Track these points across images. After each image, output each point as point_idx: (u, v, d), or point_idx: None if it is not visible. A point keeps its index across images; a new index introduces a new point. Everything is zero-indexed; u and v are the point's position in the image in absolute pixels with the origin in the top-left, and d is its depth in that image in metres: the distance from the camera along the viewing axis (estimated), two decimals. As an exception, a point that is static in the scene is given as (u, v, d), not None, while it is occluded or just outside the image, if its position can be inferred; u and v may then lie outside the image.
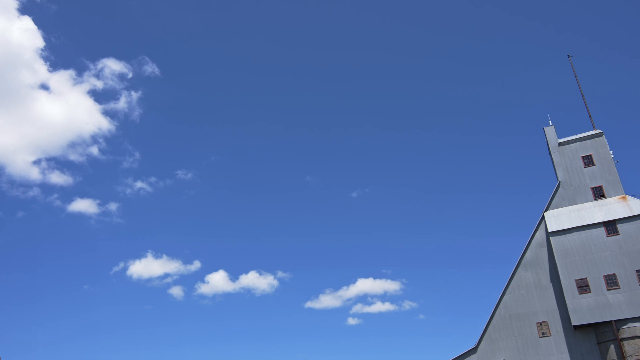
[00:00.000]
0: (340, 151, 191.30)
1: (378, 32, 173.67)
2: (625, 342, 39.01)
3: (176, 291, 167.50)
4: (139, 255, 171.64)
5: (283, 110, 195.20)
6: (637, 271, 40.27)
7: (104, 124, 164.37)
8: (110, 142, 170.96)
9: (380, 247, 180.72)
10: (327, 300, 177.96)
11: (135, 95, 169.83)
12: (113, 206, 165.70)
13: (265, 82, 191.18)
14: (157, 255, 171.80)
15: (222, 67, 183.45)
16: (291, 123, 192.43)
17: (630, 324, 39.29)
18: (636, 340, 38.70)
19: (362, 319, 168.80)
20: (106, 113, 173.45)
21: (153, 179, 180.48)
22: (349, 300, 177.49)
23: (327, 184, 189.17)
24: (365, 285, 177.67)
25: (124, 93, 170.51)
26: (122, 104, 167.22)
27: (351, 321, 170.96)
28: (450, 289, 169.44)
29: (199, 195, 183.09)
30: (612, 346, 39.75)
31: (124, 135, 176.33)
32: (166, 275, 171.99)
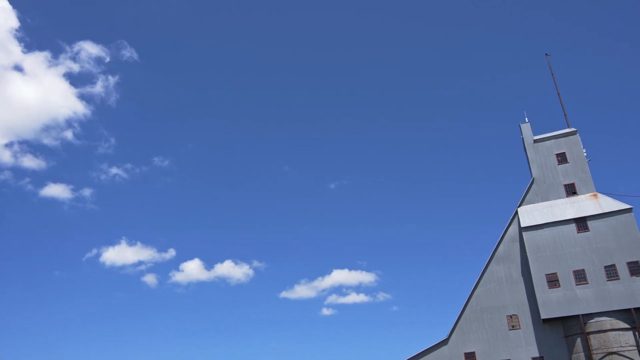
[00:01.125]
0: (319, 143, 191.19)
1: (355, 25, 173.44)
2: (591, 336, 40.03)
3: (150, 279, 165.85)
4: (112, 242, 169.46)
5: (263, 100, 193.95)
6: (605, 267, 41.27)
7: (80, 108, 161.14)
8: (85, 127, 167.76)
9: (356, 239, 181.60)
10: (302, 291, 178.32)
11: (112, 80, 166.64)
12: (87, 192, 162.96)
13: (246, 73, 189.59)
14: (131, 243, 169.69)
15: (202, 55, 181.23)
16: (271, 113, 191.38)
17: (597, 318, 40.31)
18: (602, 334, 39.74)
19: (337, 310, 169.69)
20: (82, 97, 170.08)
21: (129, 166, 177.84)
22: (323, 290, 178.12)
23: (305, 175, 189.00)
24: (340, 276, 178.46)
25: (101, 77, 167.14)
26: (98, 88, 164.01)
27: (325, 312, 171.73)
28: (424, 281, 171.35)
29: (175, 183, 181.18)
30: (578, 339, 40.76)
31: (100, 121, 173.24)
32: (140, 262, 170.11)
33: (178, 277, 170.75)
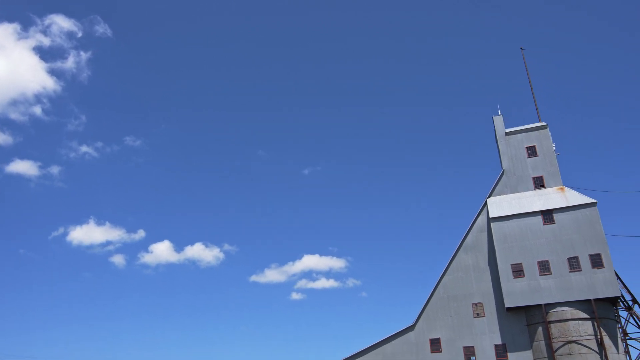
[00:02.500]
0: (294, 128, 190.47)
1: (330, 12, 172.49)
2: (552, 325, 41.27)
3: (118, 260, 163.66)
4: (80, 221, 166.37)
5: (239, 83, 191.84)
6: (568, 259, 42.46)
7: (49, 84, 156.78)
8: (55, 103, 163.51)
9: (328, 225, 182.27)
10: (272, 275, 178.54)
11: (84, 55, 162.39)
12: (55, 169, 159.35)
13: (222, 55, 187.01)
14: (100, 222, 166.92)
15: (178, 34, 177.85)
16: (247, 97, 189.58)
17: (558, 308, 41.54)
18: (562, 323, 41.01)
19: (306, 295, 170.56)
20: (52, 72, 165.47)
21: (99, 144, 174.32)
22: (294, 275, 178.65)
23: (279, 160, 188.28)
24: (310, 261, 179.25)
25: (73, 53, 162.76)
26: (69, 63, 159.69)
27: (295, 296, 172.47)
28: (394, 268, 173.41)
29: (147, 163, 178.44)
30: (540, 328, 41.98)
31: (70, 97, 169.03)
32: (108, 242, 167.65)
33: (147, 258, 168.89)
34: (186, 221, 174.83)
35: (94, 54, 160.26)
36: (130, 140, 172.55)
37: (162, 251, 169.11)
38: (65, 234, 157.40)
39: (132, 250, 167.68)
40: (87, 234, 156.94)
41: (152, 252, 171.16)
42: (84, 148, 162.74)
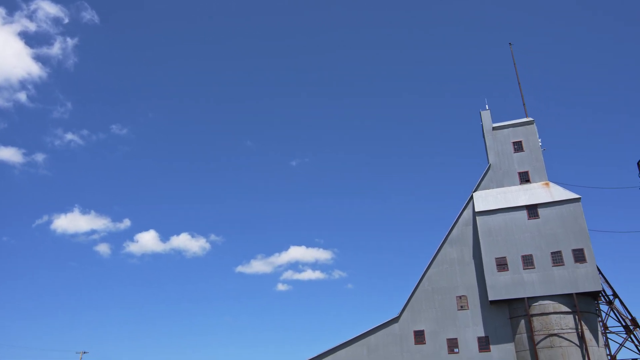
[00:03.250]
0: (282, 119, 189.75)
1: (321, 6, 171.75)
2: (534, 318, 41.81)
3: (103, 249, 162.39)
4: (64, 209, 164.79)
5: (229, 72, 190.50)
6: (552, 253, 42.98)
7: (35, 70, 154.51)
8: (40, 90, 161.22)
9: (315, 217, 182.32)
10: (258, 266, 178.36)
11: (70, 42, 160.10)
12: (40, 157, 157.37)
13: (212, 45, 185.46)
14: (85, 211, 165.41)
15: (166, 22, 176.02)
16: (236, 87, 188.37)
17: (540, 302, 42.08)
18: (544, 316, 41.56)
19: (292, 286, 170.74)
20: (38, 58, 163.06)
21: (85, 132, 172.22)
22: (280, 266, 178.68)
23: (267, 151, 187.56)
24: (297, 252, 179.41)
25: (59, 39, 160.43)
26: (55, 50, 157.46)
27: (281, 287, 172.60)
28: (379, 261, 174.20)
29: (133, 152, 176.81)
30: (522, 321, 42.51)
31: (56, 84, 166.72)
32: (93, 231, 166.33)
33: (132, 247, 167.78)
34: (172, 211, 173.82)
35: (80, 41, 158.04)
36: (117, 128, 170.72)
37: (147, 241, 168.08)
38: (50, 222, 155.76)
39: (118, 239, 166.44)
40: (72, 222, 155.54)
41: (137, 242, 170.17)
42: (70, 136, 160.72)
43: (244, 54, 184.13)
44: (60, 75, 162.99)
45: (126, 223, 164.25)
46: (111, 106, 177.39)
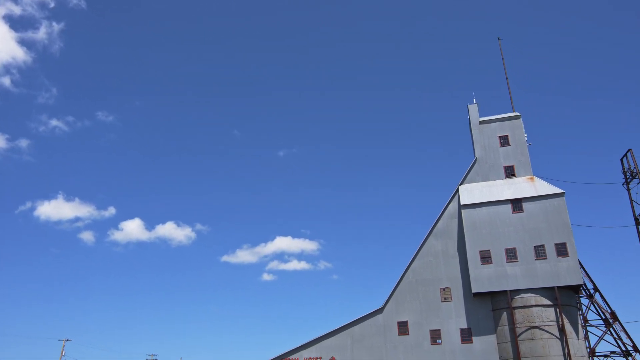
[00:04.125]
0: (271, 110, 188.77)
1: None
2: (516, 311, 42.35)
3: (87, 236, 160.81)
4: (48, 196, 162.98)
5: (218, 61, 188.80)
6: (535, 247, 43.46)
7: (19, 54, 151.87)
8: (25, 74, 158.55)
9: (301, 207, 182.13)
10: (244, 256, 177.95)
11: (56, 26, 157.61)
12: (24, 143, 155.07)
13: (201, 33, 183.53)
14: (69, 198, 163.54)
15: (155, 9, 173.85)
16: (225, 77, 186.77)
17: (523, 295, 42.60)
18: (526, 309, 42.11)
19: (277, 276, 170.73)
20: (22, 42, 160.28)
21: (70, 119, 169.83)
22: (265, 256, 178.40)
23: (255, 141, 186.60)
24: (283, 243, 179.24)
25: (45, 23, 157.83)
26: (41, 34, 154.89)
27: (266, 277, 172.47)
28: (365, 252, 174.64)
29: (119, 139, 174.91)
30: (504, 314, 43.03)
31: (41, 69, 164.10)
32: (77, 219, 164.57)
33: (117, 235, 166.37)
34: (158, 199, 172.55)
35: (66, 26, 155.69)
36: (103, 115, 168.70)
37: (132, 229, 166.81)
38: (33, 208, 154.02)
39: (102, 227, 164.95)
40: (56, 209, 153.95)
41: (122, 230, 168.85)
42: (54, 122, 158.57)
43: (234, 44, 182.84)
44: (45, 60, 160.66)
45: (111, 211, 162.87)
46: (97, 93, 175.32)
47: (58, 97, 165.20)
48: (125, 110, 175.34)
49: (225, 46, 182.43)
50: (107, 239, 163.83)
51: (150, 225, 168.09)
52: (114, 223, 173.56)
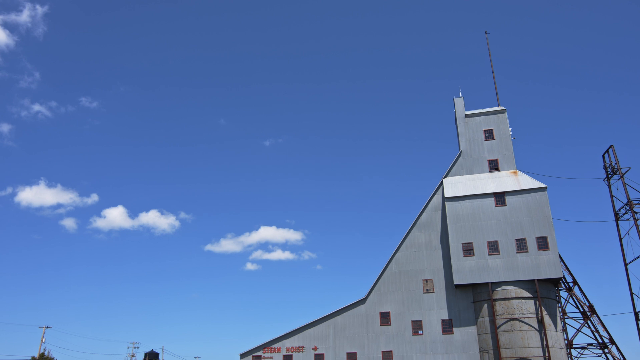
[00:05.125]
0: (258, 99, 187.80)
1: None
2: (497, 302, 42.91)
3: (69, 223, 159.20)
4: (30, 182, 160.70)
5: (205, 49, 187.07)
6: (517, 240, 43.99)
7: (2, 37, 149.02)
8: (7, 58, 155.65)
9: (286, 197, 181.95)
10: (228, 245, 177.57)
11: (40, 10, 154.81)
12: (5, 127, 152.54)
13: (188, 20, 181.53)
14: (51, 184, 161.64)
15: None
16: (212, 64, 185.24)
17: (503, 287, 43.16)
18: (507, 301, 42.68)
19: (261, 265, 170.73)
20: (5, 25, 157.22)
21: (53, 104, 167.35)
22: (249, 246, 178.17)
23: (241, 130, 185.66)
24: (267, 232, 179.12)
25: (28, 6, 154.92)
26: (24, 17, 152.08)
27: (250, 266, 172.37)
28: (349, 243, 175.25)
29: (103, 126, 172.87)
30: (485, 305, 43.59)
31: (24, 52, 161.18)
32: (59, 205, 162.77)
33: (99, 223, 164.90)
34: (142, 187, 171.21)
35: (50, 9, 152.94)
36: (87, 101, 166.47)
37: (115, 216, 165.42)
38: (14, 194, 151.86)
39: (84, 214, 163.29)
40: (37, 195, 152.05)
41: (105, 217, 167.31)
42: (37, 107, 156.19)
43: (223, 34, 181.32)
44: (28, 43, 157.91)
45: (94, 198, 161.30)
46: (81, 78, 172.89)
47: (41, 82, 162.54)
48: (110, 97, 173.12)
49: (214, 36, 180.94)
50: (89, 227, 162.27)
51: (133, 213, 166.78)
52: (96, 210, 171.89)
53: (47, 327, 68.12)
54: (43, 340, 67.41)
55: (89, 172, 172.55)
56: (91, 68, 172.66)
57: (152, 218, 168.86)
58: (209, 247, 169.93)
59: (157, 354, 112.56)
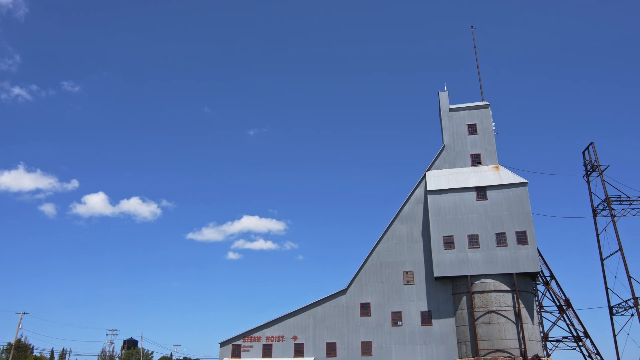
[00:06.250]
0: (243, 88, 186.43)
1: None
2: (475, 295, 43.47)
3: (48, 209, 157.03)
4: (8, 166, 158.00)
5: (191, 34, 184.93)
6: (497, 234, 44.53)
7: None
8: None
9: (270, 187, 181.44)
10: (210, 234, 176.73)
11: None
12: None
13: (174, 5, 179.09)
14: (30, 169, 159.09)
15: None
16: (198, 51, 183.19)
17: (482, 280, 43.71)
18: (485, 294, 43.26)
19: (243, 255, 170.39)
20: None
21: (34, 87, 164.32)
22: (231, 235, 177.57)
23: (226, 118, 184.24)
24: (250, 222, 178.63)
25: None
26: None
27: (231, 255, 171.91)
28: (331, 234, 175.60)
29: (85, 111, 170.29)
30: (464, 297, 44.12)
31: (4, 34, 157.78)
32: (38, 190, 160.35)
33: (79, 209, 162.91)
34: (123, 174, 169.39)
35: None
36: (68, 85, 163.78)
37: (96, 203, 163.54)
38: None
39: (64, 200, 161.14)
40: (16, 180, 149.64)
41: (85, 204, 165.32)
42: (17, 90, 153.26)
43: (209, 22, 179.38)
44: (9, 25, 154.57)
45: (74, 184, 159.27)
46: (63, 61, 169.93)
47: (22, 65, 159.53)
48: (92, 81, 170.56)
49: (200, 24, 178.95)
50: (69, 212, 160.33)
51: (114, 199, 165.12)
52: (76, 196, 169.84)
53: (24, 313, 67.29)
54: (20, 327, 66.65)
55: (69, 158, 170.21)
56: (74, 52, 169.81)
57: (134, 205, 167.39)
58: (190, 236, 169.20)
59: (136, 342, 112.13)
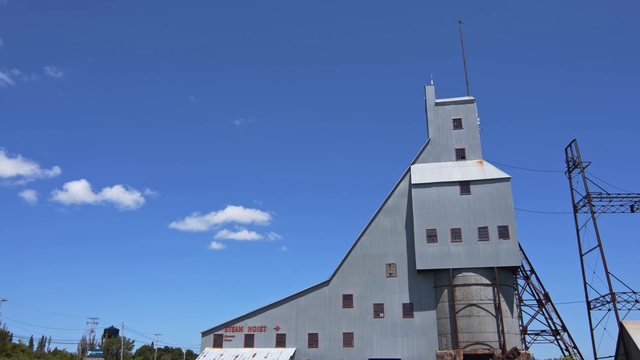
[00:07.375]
0: (230, 78, 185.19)
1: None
2: (457, 288, 43.93)
3: (29, 195, 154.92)
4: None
5: (177, 25, 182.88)
6: (479, 228, 44.98)
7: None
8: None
9: (255, 178, 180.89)
10: (193, 223, 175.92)
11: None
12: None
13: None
14: (11, 155, 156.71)
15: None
16: (184, 38, 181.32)
17: (464, 273, 44.17)
18: (466, 287, 43.75)
19: (226, 245, 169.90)
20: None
21: (16, 72, 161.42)
22: (215, 225, 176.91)
23: (211, 108, 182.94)
24: (234, 212, 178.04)
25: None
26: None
27: (215, 246, 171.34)
28: (315, 226, 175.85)
29: (68, 97, 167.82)
30: (446, 290, 44.57)
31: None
32: (19, 177, 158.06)
33: (61, 196, 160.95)
34: (106, 161, 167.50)
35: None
36: (52, 71, 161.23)
37: (78, 190, 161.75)
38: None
39: (45, 186, 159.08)
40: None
41: (67, 191, 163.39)
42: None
43: (196, 11, 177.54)
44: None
45: (56, 170, 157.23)
46: (47, 46, 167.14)
47: (3, 49, 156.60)
48: (76, 67, 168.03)
49: (187, 13, 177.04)
50: (50, 200, 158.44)
51: (97, 187, 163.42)
52: (58, 183, 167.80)
53: (3, 300, 66.56)
54: (-1, 314, 65.82)
55: (51, 144, 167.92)
56: (57, 36, 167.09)
57: (116, 193, 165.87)
58: (174, 225, 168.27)
59: (117, 330, 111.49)
